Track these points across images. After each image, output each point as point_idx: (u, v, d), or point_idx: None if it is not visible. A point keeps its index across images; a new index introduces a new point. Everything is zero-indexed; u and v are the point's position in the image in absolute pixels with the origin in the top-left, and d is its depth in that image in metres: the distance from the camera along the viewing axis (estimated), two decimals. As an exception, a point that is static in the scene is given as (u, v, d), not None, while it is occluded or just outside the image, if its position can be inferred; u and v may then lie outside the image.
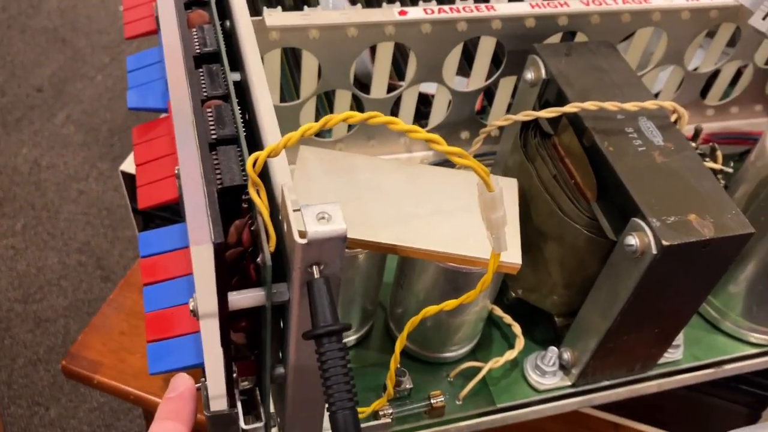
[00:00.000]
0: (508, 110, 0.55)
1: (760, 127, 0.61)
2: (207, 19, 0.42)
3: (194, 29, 0.41)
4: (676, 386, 0.50)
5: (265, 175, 0.34)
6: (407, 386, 0.45)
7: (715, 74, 0.60)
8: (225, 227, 0.33)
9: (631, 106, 0.43)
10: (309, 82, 0.49)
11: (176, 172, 0.37)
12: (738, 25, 0.54)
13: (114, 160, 1.52)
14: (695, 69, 0.58)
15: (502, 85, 0.54)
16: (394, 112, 0.54)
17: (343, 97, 0.51)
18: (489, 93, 0.58)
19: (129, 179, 0.62)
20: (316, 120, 0.31)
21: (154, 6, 0.45)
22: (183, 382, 0.37)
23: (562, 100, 0.45)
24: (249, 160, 0.31)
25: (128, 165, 0.62)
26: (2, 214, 1.42)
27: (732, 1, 0.52)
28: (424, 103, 0.57)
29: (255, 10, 0.59)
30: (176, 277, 0.41)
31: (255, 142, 0.36)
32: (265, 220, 0.31)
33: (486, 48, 0.51)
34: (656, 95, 0.60)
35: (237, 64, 0.40)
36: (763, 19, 0.49)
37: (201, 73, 0.39)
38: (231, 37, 0.41)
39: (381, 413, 0.44)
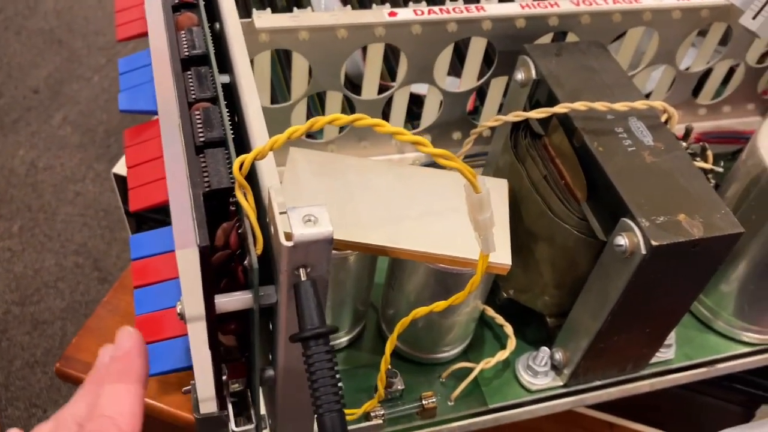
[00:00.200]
0: (500, 110, 0.55)
1: (752, 126, 0.61)
2: (196, 22, 0.42)
3: (183, 32, 0.41)
4: (669, 386, 0.50)
5: (253, 177, 0.34)
6: (399, 387, 0.45)
7: (707, 73, 0.60)
8: (212, 230, 0.33)
9: (620, 106, 0.43)
10: (299, 84, 0.49)
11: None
12: (729, 24, 0.54)
13: (111, 161, 1.52)
14: (687, 68, 0.58)
15: (493, 86, 0.54)
16: (386, 113, 0.54)
17: (334, 99, 0.51)
18: (482, 93, 0.58)
19: (121, 181, 0.62)
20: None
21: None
22: (128, 338, 0.35)
23: (552, 101, 0.45)
24: (236, 163, 0.31)
25: (120, 167, 0.62)
26: (-1, 216, 1.42)
27: (723, 0, 0.52)
28: (417, 104, 0.57)
29: (247, 11, 0.59)
30: (167, 280, 0.41)
31: (244, 145, 0.36)
32: (252, 222, 0.31)
33: (476, 48, 0.51)
34: (648, 95, 0.60)
35: (226, 66, 0.40)
36: (754, 18, 0.49)
37: (189, 76, 0.39)
38: (220, 40, 0.41)
39: (372, 414, 0.44)
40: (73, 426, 0.32)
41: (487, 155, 0.54)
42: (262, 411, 0.43)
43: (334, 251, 0.41)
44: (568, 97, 0.44)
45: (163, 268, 0.42)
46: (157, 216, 0.63)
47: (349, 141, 0.53)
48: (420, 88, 0.55)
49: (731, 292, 0.50)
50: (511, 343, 0.47)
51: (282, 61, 0.60)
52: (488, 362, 0.46)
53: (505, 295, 0.48)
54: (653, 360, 0.49)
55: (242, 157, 0.31)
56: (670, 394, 0.58)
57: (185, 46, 0.40)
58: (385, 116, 0.54)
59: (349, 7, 0.48)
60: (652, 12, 0.51)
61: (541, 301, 0.47)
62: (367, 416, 0.44)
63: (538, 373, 0.47)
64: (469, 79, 0.53)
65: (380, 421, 0.43)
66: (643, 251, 0.38)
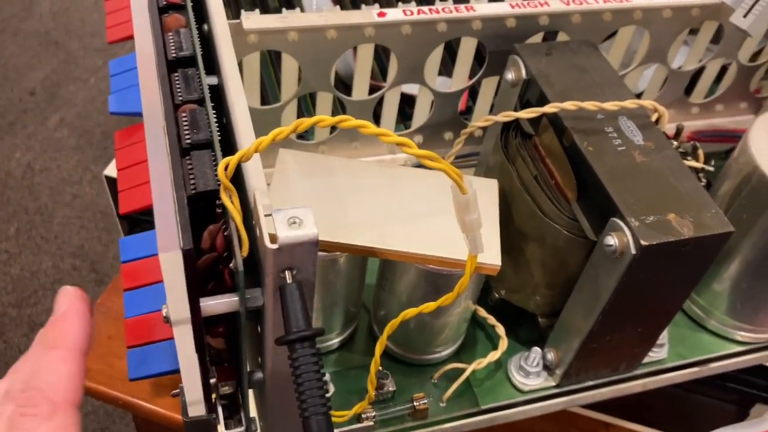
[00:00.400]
0: (492, 111, 0.55)
1: (745, 124, 0.61)
2: (183, 23, 0.42)
3: (170, 33, 0.41)
4: (662, 385, 0.50)
5: (240, 179, 0.34)
6: (390, 389, 0.45)
7: (699, 72, 0.59)
8: (199, 232, 0.33)
9: (610, 105, 0.43)
10: (289, 85, 0.48)
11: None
12: (720, 22, 0.54)
13: (107, 163, 1.51)
14: (679, 67, 0.58)
15: (484, 86, 0.54)
16: (379, 113, 0.54)
17: (324, 100, 0.51)
18: (474, 93, 0.57)
19: (113, 183, 0.62)
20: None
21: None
22: (65, 299, 0.32)
23: (542, 100, 0.45)
24: (221, 165, 0.31)
25: (112, 169, 0.62)
26: (-5, 219, 1.42)
27: (714, -2, 0.52)
28: (409, 104, 0.57)
29: (238, 12, 0.59)
30: (157, 282, 0.41)
31: (232, 147, 0.36)
32: (237, 225, 0.31)
33: (467, 49, 0.51)
34: (640, 94, 0.60)
35: (214, 67, 0.40)
36: (744, 16, 0.49)
37: (176, 78, 0.38)
38: (209, 41, 0.41)
39: (364, 416, 0.44)
40: (6, 401, 0.29)
41: (478, 155, 0.54)
42: (253, 414, 0.43)
43: (323, 253, 0.41)
44: (558, 97, 0.44)
45: (153, 271, 0.41)
46: (149, 218, 0.63)
47: (340, 142, 0.53)
48: (412, 89, 0.54)
49: (724, 291, 0.50)
50: (503, 343, 0.47)
51: (273, 62, 0.60)
52: (480, 363, 0.46)
53: (497, 295, 0.48)
54: (646, 360, 0.49)
55: (227, 159, 0.31)
56: (665, 394, 0.58)
57: (172, 47, 0.40)
58: (377, 117, 0.54)
59: (338, 7, 0.48)
60: (642, 11, 0.51)
61: (532, 301, 0.47)
62: (358, 418, 0.44)
63: (530, 373, 0.47)
64: (459, 80, 0.53)
65: (371, 423, 0.43)
66: (633, 251, 0.38)
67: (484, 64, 0.51)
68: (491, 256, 0.40)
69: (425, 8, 0.47)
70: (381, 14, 0.46)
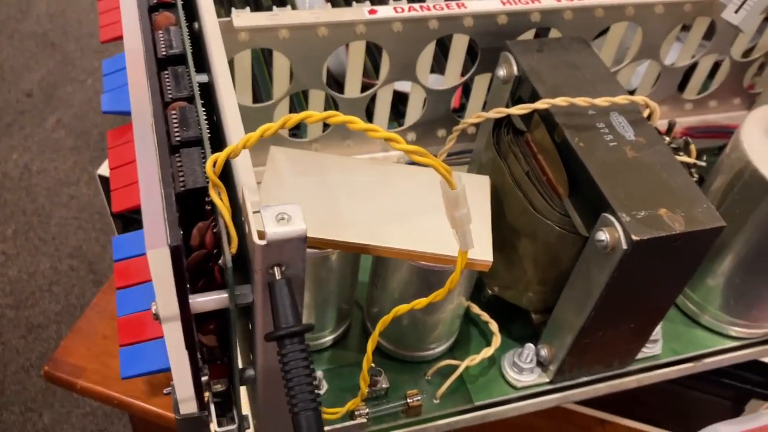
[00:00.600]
0: (485, 107, 0.55)
1: (738, 120, 0.61)
2: (173, 21, 0.42)
3: (160, 31, 0.41)
4: (656, 381, 0.50)
5: (230, 176, 0.34)
6: (383, 386, 0.45)
7: (692, 68, 0.59)
8: (188, 230, 0.33)
9: (602, 101, 0.43)
10: (281, 83, 0.48)
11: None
12: (713, 18, 0.54)
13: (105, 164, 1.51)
14: (672, 63, 0.58)
15: (477, 83, 0.54)
16: (372, 111, 0.54)
17: (316, 97, 0.51)
18: (469, 91, 0.57)
19: (106, 183, 0.62)
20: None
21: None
22: None
23: (534, 97, 0.45)
24: (209, 162, 0.31)
25: (105, 169, 0.62)
26: (-7, 220, 1.42)
27: (706, -6, 0.52)
28: (403, 102, 0.57)
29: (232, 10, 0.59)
30: (149, 281, 0.41)
31: (222, 144, 0.36)
32: (226, 221, 0.31)
33: (459, 46, 0.51)
34: (634, 91, 0.60)
35: (205, 65, 0.40)
36: (736, 12, 0.49)
37: (166, 75, 0.38)
38: (199, 39, 0.41)
39: (357, 413, 0.44)
40: None
41: (471, 153, 0.54)
42: (246, 411, 0.43)
43: (315, 250, 0.41)
44: (550, 93, 0.44)
45: (145, 269, 0.41)
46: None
47: (332, 140, 0.53)
48: (405, 87, 0.55)
49: (717, 287, 0.50)
50: (496, 339, 0.47)
51: (267, 60, 0.60)
52: (473, 359, 0.46)
53: (490, 291, 0.48)
54: (640, 355, 0.49)
55: (215, 155, 0.31)
56: (660, 390, 0.58)
57: (162, 45, 0.40)
58: (371, 115, 0.54)
59: (329, 4, 0.48)
60: (634, 7, 0.51)
61: (525, 297, 0.47)
62: (351, 415, 0.44)
63: (524, 369, 0.47)
64: (452, 77, 0.53)
65: (364, 420, 0.43)
66: (624, 246, 0.38)
67: (476, 61, 0.51)
68: (483, 252, 0.40)
69: (416, 5, 0.47)
70: (372, 11, 0.46)
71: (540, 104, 0.43)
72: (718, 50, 0.57)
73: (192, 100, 0.37)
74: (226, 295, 0.32)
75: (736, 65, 0.59)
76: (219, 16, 0.41)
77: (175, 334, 0.31)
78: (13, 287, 1.32)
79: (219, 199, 0.31)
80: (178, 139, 0.35)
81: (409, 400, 0.45)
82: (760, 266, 0.47)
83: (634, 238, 0.37)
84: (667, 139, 0.46)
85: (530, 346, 0.47)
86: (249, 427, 0.42)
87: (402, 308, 0.39)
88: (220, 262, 0.32)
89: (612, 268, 0.39)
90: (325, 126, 0.53)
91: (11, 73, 1.68)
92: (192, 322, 0.32)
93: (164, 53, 0.40)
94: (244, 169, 0.33)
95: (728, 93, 0.61)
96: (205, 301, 0.31)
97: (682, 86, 0.60)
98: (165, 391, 0.40)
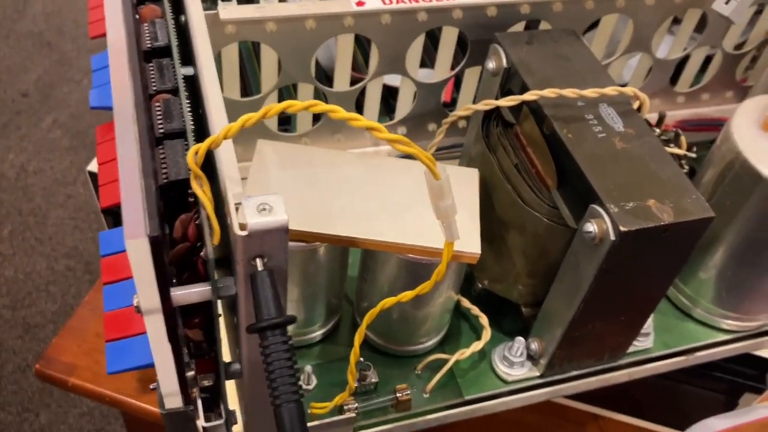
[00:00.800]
0: (475, 101, 0.54)
1: (730, 113, 0.61)
2: (159, 14, 0.42)
3: (146, 24, 0.41)
4: (647, 375, 0.49)
5: (214, 168, 0.33)
6: (373, 380, 0.45)
7: (684, 61, 0.59)
8: (172, 222, 0.33)
9: (590, 92, 0.43)
10: (269, 76, 0.48)
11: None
12: (704, 10, 0.54)
13: (101, 163, 1.51)
14: (664, 56, 0.57)
15: (468, 76, 0.54)
16: (362, 105, 0.54)
17: (305, 90, 0.51)
18: (460, 85, 0.57)
19: (96, 179, 0.62)
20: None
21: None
22: None
23: (523, 89, 0.44)
24: (190, 152, 0.31)
25: (95, 165, 0.62)
26: (-11, 220, 1.41)
27: (697, -15, 0.52)
28: (394, 96, 0.57)
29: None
30: (136, 276, 0.40)
31: (207, 136, 0.35)
32: (209, 213, 0.31)
33: (448, 38, 0.51)
34: (626, 84, 0.59)
35: (191, 58, 0.39)
36: (726, 3, 0.49)
37: (151, 68, 0.38)
38: (186, 32, 0.41)
39: (346, 408, 0.43)
40: None
41: (462, 146, 0.53)
42: (234, 406, 0.42)
43: (302, 243, 0.40)
44: (539, 85, 0.44)
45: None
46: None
47: (323, 133, 0.52)
48: (396, 81, 0.54)
49: (709, 280, 0.50)
50: (486, 333, 0.47)
51: (257, 53, 0.60)
52: (463, 353, 0.46)
53: (480, 285, 0.48)
54: (631, 349, 0.48)
55: (196, 146, 0.31)
56: (654, 384, 0.58)
57: (148, 38, 0.40)
58: (359, 108, 0.53)
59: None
60: (625, -1, 0.51)
61: (515, 290, 0.46)
62: (340, 410, 0.43)
63: (514, 363, 0.47)
64: (442, 70, 0.52)
65: (353, 415, 0.43)
66: (612, 237, 0.37)
67: (466, 54, 0.51)
68: (471, 244, 0.40)
69: (404, -3, 0.47)
70: (360, 3, 0.45)
71: (528, 96, 0.43)
72: (710, 42, 0.57)
73: (176, 92, 0.37)
74: (208, 287, 0.31)
75: (728, 58, 0.59)
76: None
77: (157, 327, 0.31)
78: (10, 287, 1.32)
79: (201, 190, 0.31)
80: (161, 131, 0.35)
81: (398, 395, 0.44)
82: (752, 259, 0.47)
83: (622, 229, 0.37)
84: (658, 130, 0.46)
85: (520, 339, 0.47)
86: (237, 422, 0.42)
87: (388, 301, 0.38)
88: (202, 254, 0.32)
89: (600, 259, 0.38)
90: (315, 120, 0.53)
91: (7, 73, 1.68)
92: (175, 315, 0.32)
93: (149, 46, 0.39)
94: (226, 160, 0.33)
95: (720, 86, 0.61)
96: (187, 293, 0.31)
97: (674, 79, 0.60)
98: (151, 386, 0.39)
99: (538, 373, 0.47)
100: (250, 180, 0.41)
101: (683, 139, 0.46)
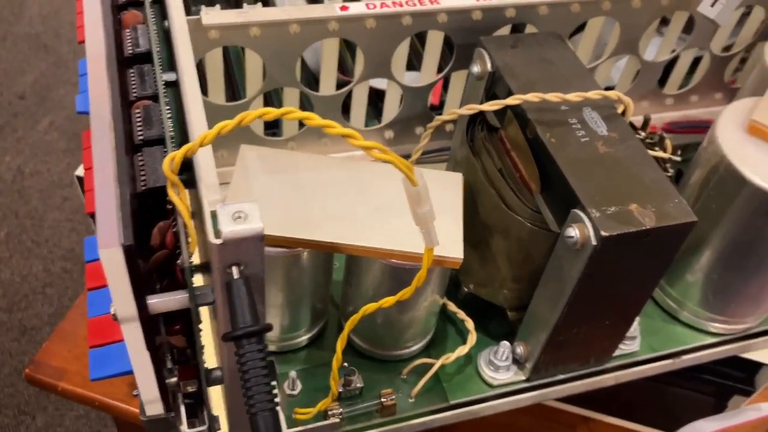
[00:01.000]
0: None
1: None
2: (141, 20, 0.42)
3: (128, 30, 0.41)
4: (634, 378, 0.49)
5: (193, 175, 0.33)
6: (358, 385, 0.45)
7: (673, 63, 0.59)
8: (149, 229, 0.33)
9: (574, 96, 0.43)
10: (254, 81, 0.48)
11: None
12: (691, 13, 0.54)
13: (97, 165, 1.51)
14: (652, 58, 0.57)
15: (454, 80, 0.54)
16: (349, 107, 0.54)
17: (291, 95, 0.50)
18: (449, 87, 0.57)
19: (83, 183, 0.62)
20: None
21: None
22: None
23: (508, 93, 0.44)
24: (166, 160, 0.31)
25: (82, 169, 0.62)
26: (-15, 223, 1.42)
27: (683, -12, 0.52)
28: (384, 98, 0.57)
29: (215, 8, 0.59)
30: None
31: (188, 142, 0.35)
32: (185, 220, 0.31)
33: (434, 42, 0.50)
34: (614, 86, 0.59)
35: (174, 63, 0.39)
36: (712, 5, 0.49)
37: (132, 74, 0.38)
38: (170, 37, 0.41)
39: (330, 413, 0.43)
40: None
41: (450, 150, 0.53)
42: (218, 412, 0.42)
43: (284, 249, 0.40)
44: (523, 89, 0.44)
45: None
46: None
47: (309, 138, 0.52)
48: (384, 83, 0.54)
49: (696, 282, 0.49)
50: (472, 337, 0.46)
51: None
52: (448, 358, 0.45)
53: (466, 289, 0.48)
54: (618, 352, 0.48)
55: (173, 153, 0.31)
56: (645, 387, 0.58)
57: (129, 44, 0.40)
58: (345, 112, 0.53)
59: (303, 0, 0.47)
60: (611, 1, 0.51)
61: (501, 294, 0.46)
62: (324, 415, 0.43)
63: (500, 367, 0.46)
64: (428, 74, 0.52)
65: (337, 420, 0.43)
66: (594, 242, 0.37)
67: (452, 58, 0.51)
68: (453, 249, 0.40)
69: (388, 1, 0.47)
70: (344, 8, 0.45)
71: (512, 100, 0.43)
72: (698, 44, 0.57)
73: (157, 98, 0.37)
74: (185, 295, 0.31)
75: (716, 60, 0.59)
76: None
77: (134, 336, 0.31)
78: (6, 290, 1.32)
79: (177, 197, 0.31)
80: (141, 137, 0.35)
81: (383, 400, 0.44)
82: (738, 262, 0.47)
83: (603, 234, 0.37)
84: (643, 134, 0.46)
85: (505, 344, 0.46)
86: (220, 428, 0.42)
87: (370, 307, 0.38)
88: (178, 261, 0.32)
89: (583, 264, 0.38)
90: (301, 124, 0.53)
91: (4, 75, 1.68)
92: (153, 323, 0.32)
93: (131, 52, 0.39)
94: (204, 166, 0.33)
95: (709, 88, 0.61)
96: (164, 301, 0.31)
97: (663, 81, 0.60)
98: (134, 393, 0.39)
99: (523, 377, 0.47)
100: (233, 185, 0.41)
101: (668, 143, 0.46)
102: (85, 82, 0.51)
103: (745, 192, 0.44)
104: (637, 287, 0.42)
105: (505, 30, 0.51)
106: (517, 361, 0.47)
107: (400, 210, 0.41)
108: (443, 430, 0.48)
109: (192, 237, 0.31)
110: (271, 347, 0.46)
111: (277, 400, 0.29)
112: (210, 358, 0.39)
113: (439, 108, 0.59)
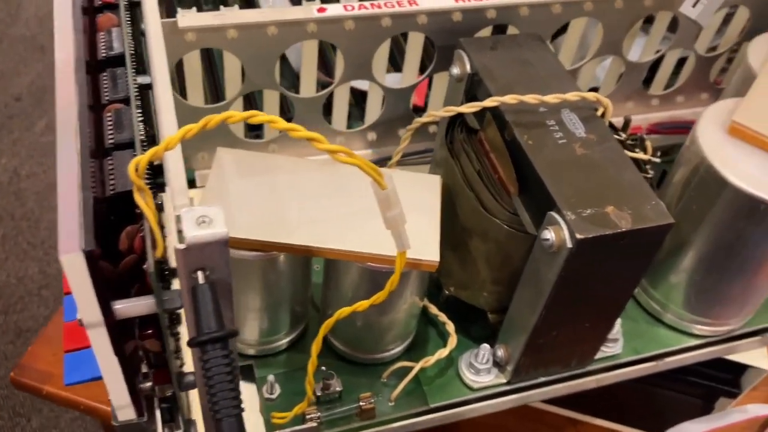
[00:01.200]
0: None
1: (705, 115, 0.60)
2: (116, 22, 0.41)
3: (102, 33, 0.41)
4: (616, 380, 0.49)
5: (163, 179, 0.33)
6: (336, 389, 0.44)
7: (658, 64, 0.59)
8: (117, 234, 0.33)
9: (551, 98, 0.42)
10: (233, 84, 0.48)
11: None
12: (674, 13, 0.53)
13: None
14: (636, 59, 0.57)
15: (436, 81, 0.53)
16: (329, 110, 0.53)
17: (271, 97, 0.50)
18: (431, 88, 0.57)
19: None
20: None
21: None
22: None
23: (487, 95, 0.44)
24: (131, 164, 0.30)
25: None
26: (-20, 225, 1.42)
27: (666, -12, 0.51)
28: (365, 101, 0.56)
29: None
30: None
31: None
32: (151, 225, 0.31)
33: (415, 44, 0.50)
34: (598, 87, 0.59)
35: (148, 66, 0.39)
36: (693, 6, 0.48)
37: (105, 77, 0.38)
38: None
39: (308, 417, 0.43)
40: None
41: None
42: (194, 416, 0.42)
43: (259, 253, 0.40)
44: (502, 91, 0.43)
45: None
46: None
47: (290, 140, 0.52)
48: (366, 85, 0.54)
49: (679, 284, 0.49)
50: (452, 340, 0.46)
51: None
52: (427, 361, 0.45)
53: (447, 292, 0.48)
54: (600, 355, 0.48)
55: (137, 158, 0.30)
56: (632, 389, 0.58)
57: (103, 47, 0.40)
58: (327, 114, 0.53)
59: (286, 1, 0.47)
60: (593, 2, 0.50)
61: (481, 297, 0.46)
62: (302, 419, 0.43)
63: (480, 370, 0.46)
64: (410, 75, 0.52)
65: (315, 424, 0.43)
66: (569, 245, 0.37)
67: (434, 59, 0.51)
68: (429, 252, 0.40)
69: (367, 3, 0.46)
70: (321, 10, 0.45)
71: (489, 102, 0.42)
72: (682, 45, 0.57)
73: (129, 101, 0.37)
74: (152, 300, 0.31)
75: (701, 60, 0.58)
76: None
77: (101, 341, 0.31)
78: (2, 292, 1.32)
79: (143, 201, 0.31)
80: (111, 141, 0.35)
81: (362, 403, 0.44)
82: (720, 263, 0.47)
83: (579, 236, 0.37)
84: (623, 135, 0.46)
85: (486, 346, 0.46)
86: (196, 432, 0.41)
87: (344, 311, 0.38)
88: (144, 266, 0.32)
89: (559, 267, 0.38)
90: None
91: (0, 77, 1.68)
92: (122, 328, 0.32)
93: (104, 55, 0.39)
94: (173, 170, 0.32)
95: (695, 88, 0.60)
96: (130, 306, 0.31)
97: (649, 82, 0.60)
98: (109, 398, 0.39)
99: (504, 380, 0.46)
100: (208, 188, 0.41)
101: (648, 144, 0.46)
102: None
103: (725, 194, 0.43)
104: (615, 289, 0.42)
105: (487, 31, 0.50)
106: (498, 364, 0.47)
107: (377, 213, 0.41)
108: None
109: (159, 242, 0.31)
110: (250, 351, 0.46)
111: (243, 405, 0.29)
112: (189, 362, 0.38)
113: (424, 109, 0.58)
